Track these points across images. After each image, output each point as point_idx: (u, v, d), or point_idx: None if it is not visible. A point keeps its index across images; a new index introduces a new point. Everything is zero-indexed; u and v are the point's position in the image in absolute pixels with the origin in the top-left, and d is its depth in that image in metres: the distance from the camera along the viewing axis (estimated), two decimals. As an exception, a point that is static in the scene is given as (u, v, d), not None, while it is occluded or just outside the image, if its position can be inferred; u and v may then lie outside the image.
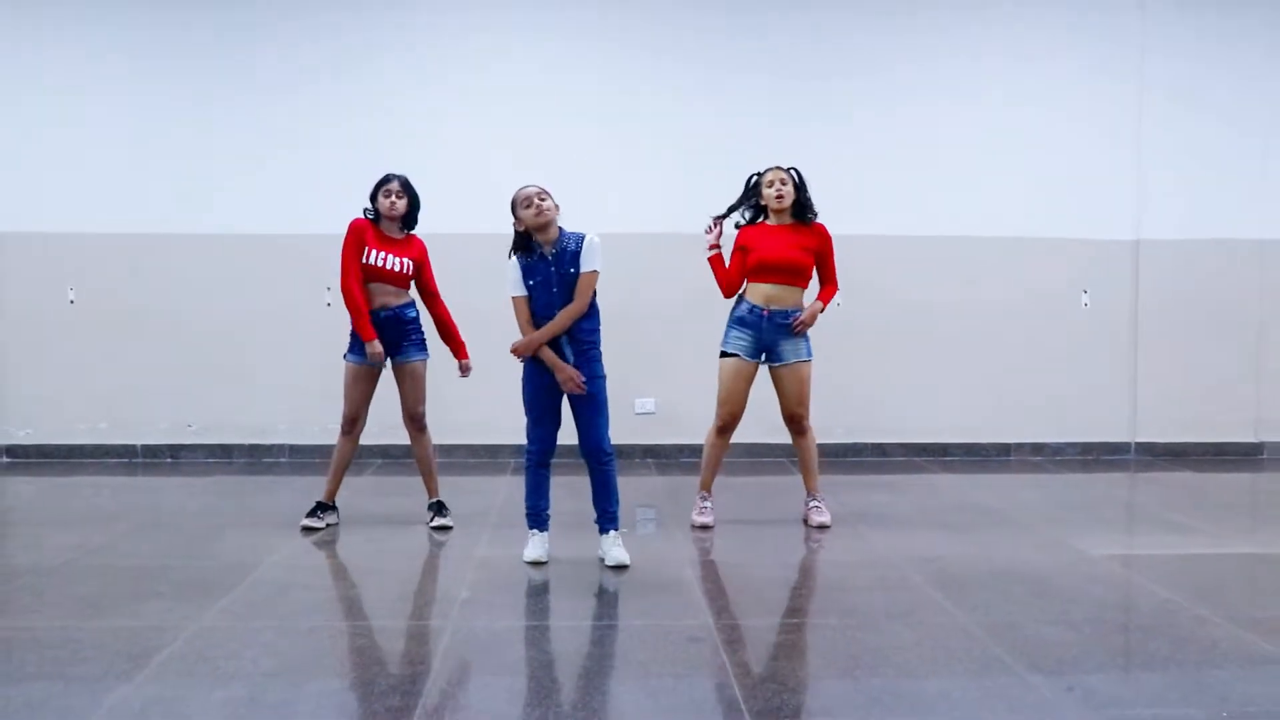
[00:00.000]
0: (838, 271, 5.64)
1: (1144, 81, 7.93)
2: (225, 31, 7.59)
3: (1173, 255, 7.95)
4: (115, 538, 5.29)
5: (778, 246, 5.43)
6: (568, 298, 4.62)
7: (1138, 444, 8.05)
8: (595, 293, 4.69)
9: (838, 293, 5.67)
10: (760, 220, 5.59)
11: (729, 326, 5.54)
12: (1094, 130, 7.92)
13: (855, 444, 7.80)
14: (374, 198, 5.41)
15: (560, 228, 4.67)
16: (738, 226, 5.62)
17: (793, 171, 5.53)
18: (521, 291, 4.67)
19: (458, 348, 5.65)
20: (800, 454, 5.68)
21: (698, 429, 7.28)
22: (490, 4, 7.70)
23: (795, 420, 5.57)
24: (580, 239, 4.65)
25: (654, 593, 4.40)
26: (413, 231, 5.54)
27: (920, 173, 7.80)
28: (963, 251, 7.88)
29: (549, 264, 4.63)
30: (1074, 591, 4.39)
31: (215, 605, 4.12)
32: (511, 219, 4.68)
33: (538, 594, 4.43)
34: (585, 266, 4.63)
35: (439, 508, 5.58)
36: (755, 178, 5.58)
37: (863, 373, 7.66)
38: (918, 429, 7.91)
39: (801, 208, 5.50)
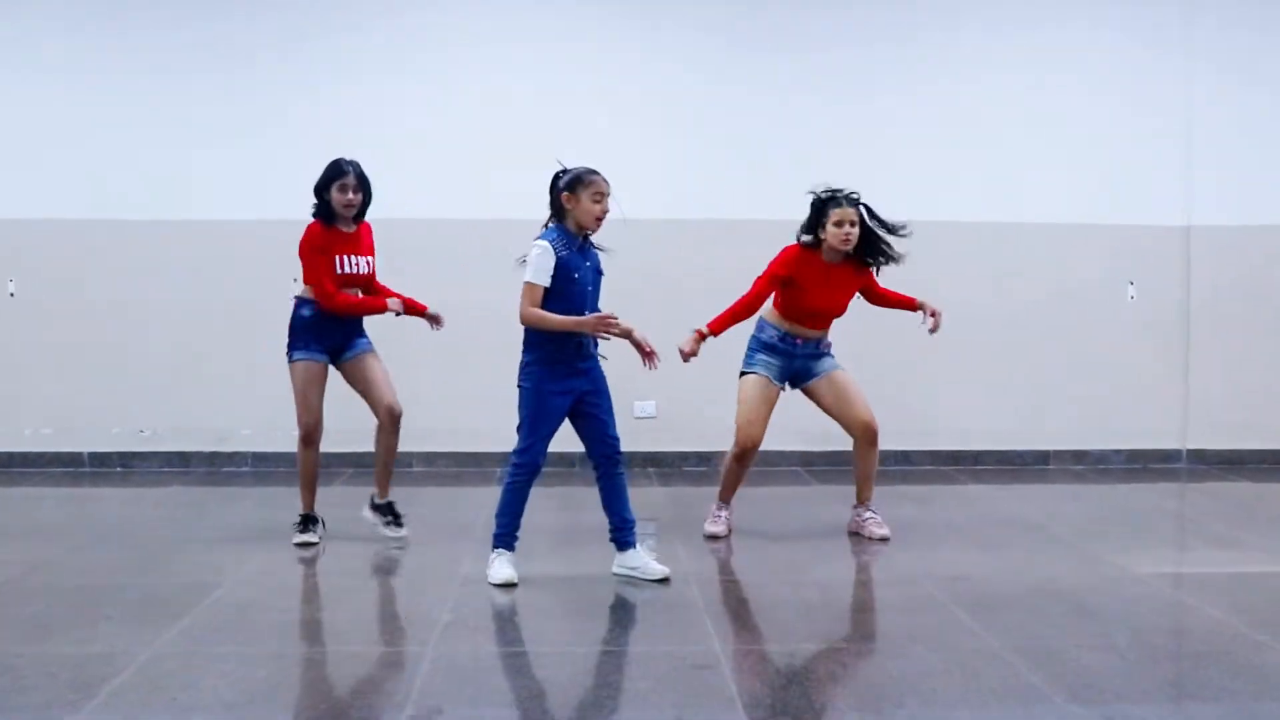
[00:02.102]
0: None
1: (1192, 51, 7.92)
2: (184, 5, 7.59)
3: (1227, 243, 7.95)
4: (61, 554, 5.29)
5: (827, 295, 5.47)
6: (596, 300, 4.72)
7: (1189, 451, 8.06)
8: None
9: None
10: (815, 250, 5.48)
11: (754, 350, 5.60)
12: (1138, 106, 7.92)
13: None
14: (324, 189, 5.36)
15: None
16: (799, 242, 5.52)
17: (862, 207, 5.43)
18: (544, 282, 4.57)
19: (414, 306, 5.53)
20: (865, 464, 5.67)
21: (702, 435, 7.31)
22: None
23: (870, 431, 5.57)
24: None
25: (656, 614, 4.41)
26: (363, 218, 5.51)
27: (947, 154, 7.80)
28: (995, 239, 7.88)
29: (584, 259, 4.67)
30: (1118, 613, 4.39)
31: (172, 628, 4.12)
32: (563, 192, 4.61)
33: (527, 616, 4.43)
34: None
35: (391, 510, 5.60)
36: (820, 202, 5.43)
37: (885, 373, 7.62)
38: (946, 435, 7.92)
39: (864, 250, 5.47)
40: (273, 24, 7.62)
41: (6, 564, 5.05)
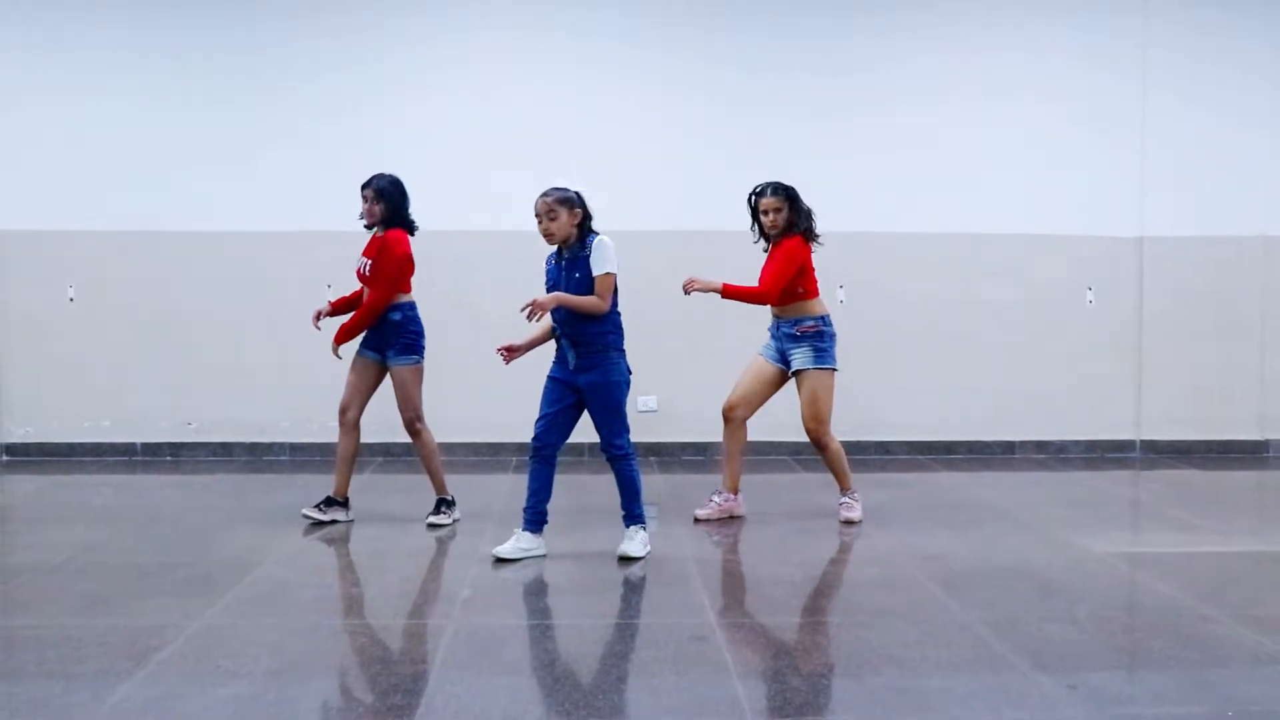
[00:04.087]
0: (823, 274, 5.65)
1: (1147, 75, 7.91)
2: (226, 28, 7.58)
3: (1177, 252, 7.94)
4: (115, 536, 5.30)
5: (763, 271, 5.58)
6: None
7: (1142, 441, 8.04)
8: (616, 294, 4.73)
9: (751, 300, 5.46)
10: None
11: None
12: (1097, 124, 7.91)
13: (859, 442, 7.78)
14: None
15: (593, 233, 4.70)
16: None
17: (785, 191, 5.48)
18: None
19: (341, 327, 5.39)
20: (825, 463, 5.69)
21: (700, 427, 7.32)
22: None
23: (809, 435, 5.56)
24: (591, 243, 4.68)
25: (656, 590, 4.41)
26: (392, 228, 5.41)
27: (922, 169, 7.79)
28: (966, 249, 7.87)
29: (560, 267, 4.77)
30: (1078, 589, 4.39)
31: (216, 603, 4.13)
32: None
33: (539, 592, 4.43)
34: (597, 269, 4.64)
35: (438, 505, 5.59)
36: (754, 198, 5.56)
37: (866, 371, 7.63)
38: (922, 427, 7.92)
39: (787, 225, 5.48)
40: (309, 49, 7.59)
41: (66, 545, 5.05)
